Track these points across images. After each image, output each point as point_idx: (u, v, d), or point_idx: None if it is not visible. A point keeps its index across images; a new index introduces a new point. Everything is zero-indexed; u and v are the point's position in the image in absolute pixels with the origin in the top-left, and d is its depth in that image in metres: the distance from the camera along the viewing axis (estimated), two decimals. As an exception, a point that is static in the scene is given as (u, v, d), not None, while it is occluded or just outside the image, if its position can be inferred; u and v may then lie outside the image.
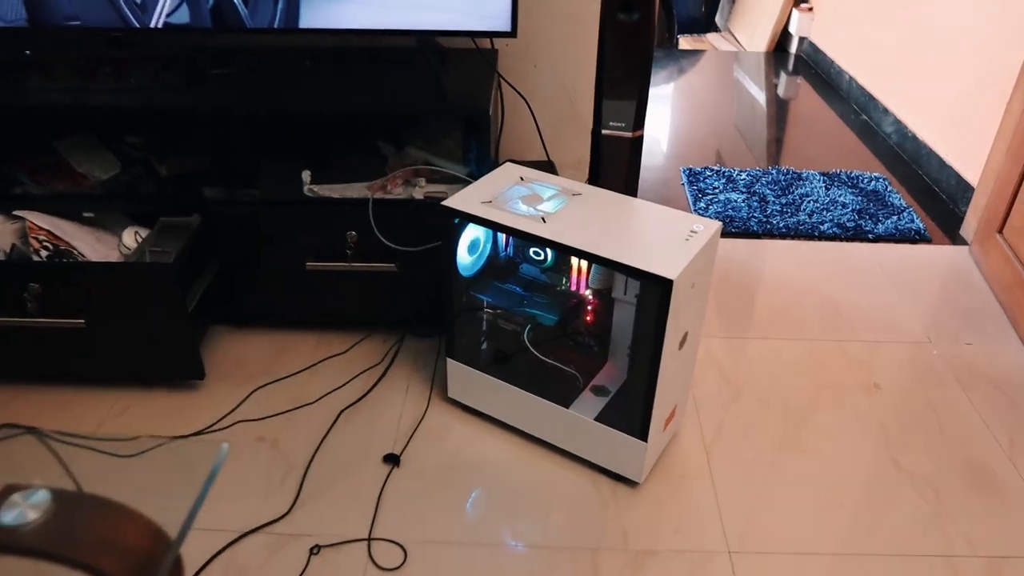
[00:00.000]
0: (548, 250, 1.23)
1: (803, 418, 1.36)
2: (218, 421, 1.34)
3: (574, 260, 1.21)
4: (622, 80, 1.24)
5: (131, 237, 1.45)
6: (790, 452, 1.29)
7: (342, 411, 1.36)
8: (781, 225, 1.96)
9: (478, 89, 1.36)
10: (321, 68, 1.46)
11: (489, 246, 1.27)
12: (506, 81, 1.63)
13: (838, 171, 2.25)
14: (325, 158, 1.48)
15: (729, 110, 2.84)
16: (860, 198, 2.09)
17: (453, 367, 1.33)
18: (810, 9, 3.30)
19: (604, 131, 1.28)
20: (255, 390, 1.41)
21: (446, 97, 1.31)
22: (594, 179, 1.33)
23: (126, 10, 1.38)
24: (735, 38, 3.91)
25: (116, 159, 1.55)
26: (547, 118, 1.70)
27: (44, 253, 1.37)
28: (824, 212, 2.01)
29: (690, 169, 2.25)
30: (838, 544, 1.13)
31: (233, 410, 1.37)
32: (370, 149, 1.51)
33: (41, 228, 1.41)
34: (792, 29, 3.42)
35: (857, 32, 2.90)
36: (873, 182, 2.18)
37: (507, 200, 1.17)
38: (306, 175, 1.43)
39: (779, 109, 2.89)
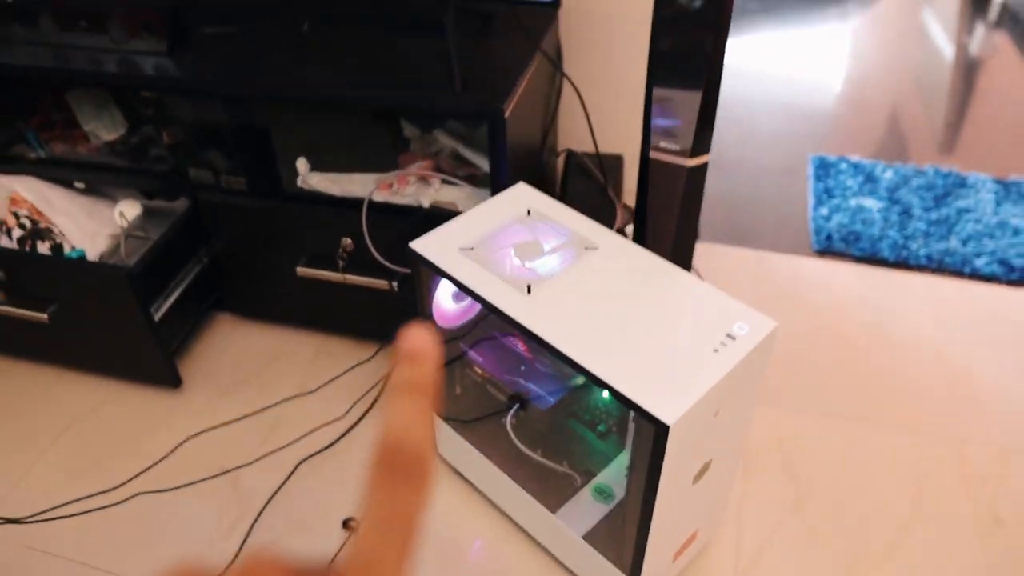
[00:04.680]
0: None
1: (879, 552, 1.03)
2: (180, 444, 1.19)
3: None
4: (677, 74, 0.89)
5: (120, 215, 1.29)
6: (852, 605, 0.97)
7: (304, 459, 1.16)
8: (922, 253, 1.53)
9: (505, 75, 1.05)
10: (324, 34, 1.19)
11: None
12: (555, 64, 1.30)
13: (1021, 179, 1.74)
14: (334, 135, 1.24)
15: (893, 76, 2.31)
16: (1043, 222, 1.60)
17: (439, 422, 1.09)
18: (1031, -54, 2.62)
19: (652, 152, 0.95)
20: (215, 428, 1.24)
21: (451, 90, 1.02)
22: (640, 212, 1.01)
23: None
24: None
25: (124, 118, 1.38)
26: (616, 101, 1.36)
27: (16, 233, 1.24)
28: (985, 239, 1.56)
29: (822, 159, 1.82)
30: None
31: (198, 434, 1.20)
32: (393, 127, 1.25)
33: (25, 200, 1.27)
34: (1003, -30, 2.74)
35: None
36: (1066, 199, 1.67)
37: (496, 248, 0.89)
38: (302, 164, 1.20)
39: (964, 78, 2.32)
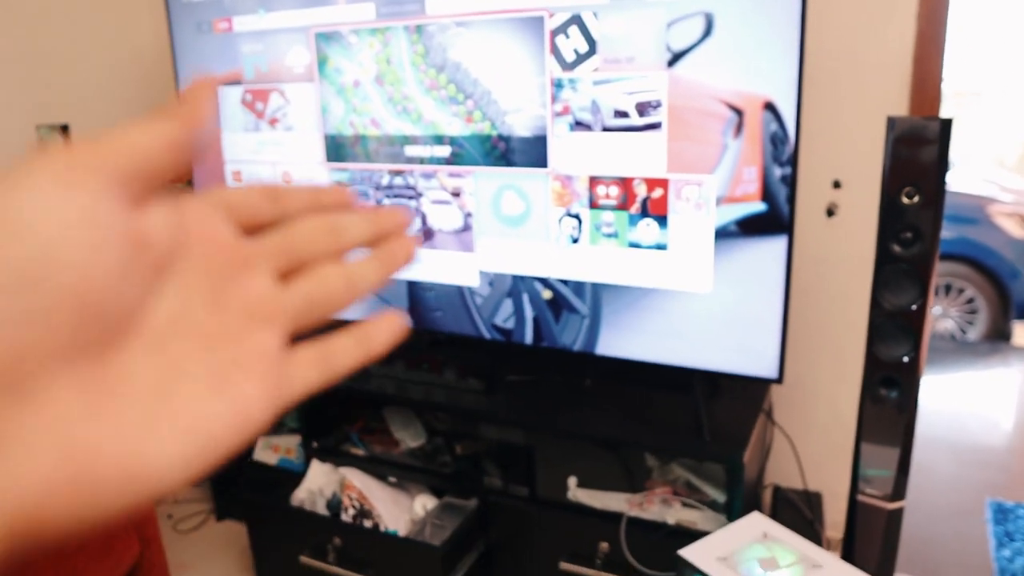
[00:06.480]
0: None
1: None
2: None
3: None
4: (880, 453, 1.23)
5: (420, 506, 1.70)
6: None
7: None
8: (1111, 605, 1.65)
9: (738, 430, 1.43)
10: (600, 388, 1.63)
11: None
12: (771, 419, 1.67)
13: None
14: (594, 459, 1.63)
15: (1064, 429, 2.50)
16: None
17: None
18: None
19: (859, 496, 1.26)
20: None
21: (703, 440, 1.40)
22: (848, 546, 1.29)
23: (476, 315, 1.68)
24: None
25: (424, 430, 1.85)
26: (816, 447, 1.69)
27: (351, 511, 1.66)
28: None
29: (999, 504, 2.01)
30: None
31: None
32: (638, 457, 1.63)
33: (354, 486, 1.72)
34: None
35: None
36: None
37: (743, 560, 1.19)
38: (572, 481, 1.58)
39: None
